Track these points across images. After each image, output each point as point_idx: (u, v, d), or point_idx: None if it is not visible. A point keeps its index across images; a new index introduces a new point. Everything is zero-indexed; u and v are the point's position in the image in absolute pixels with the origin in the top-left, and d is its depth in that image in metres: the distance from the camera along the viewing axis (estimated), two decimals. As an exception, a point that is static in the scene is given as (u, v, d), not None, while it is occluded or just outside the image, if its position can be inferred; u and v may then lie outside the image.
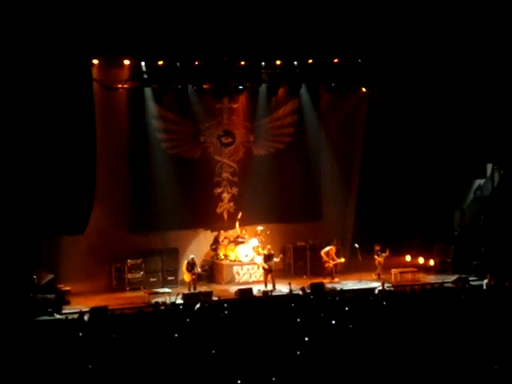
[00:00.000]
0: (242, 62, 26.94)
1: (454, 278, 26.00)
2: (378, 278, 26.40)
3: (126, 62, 26.13)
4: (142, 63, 26.11)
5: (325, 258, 27.12)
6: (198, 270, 26.51)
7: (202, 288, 25.88)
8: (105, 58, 25.77)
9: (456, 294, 21.12)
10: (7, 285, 23.00)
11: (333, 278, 26.77)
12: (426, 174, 28.84)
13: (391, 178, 28.79)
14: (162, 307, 21.56)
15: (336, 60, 27.67)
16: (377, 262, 27.19)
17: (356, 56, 27.67)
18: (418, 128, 28.41)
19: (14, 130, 23.54)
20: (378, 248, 27.19)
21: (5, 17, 22.92)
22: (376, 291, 22.98)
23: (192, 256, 26.75)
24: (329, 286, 25.57)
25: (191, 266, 26.17)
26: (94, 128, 25.29)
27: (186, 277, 26.20)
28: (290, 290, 23.42)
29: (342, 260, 27.48)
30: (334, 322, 17.29)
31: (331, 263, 27.06)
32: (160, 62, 25.94)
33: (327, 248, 27.30)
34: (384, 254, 27.04)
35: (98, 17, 24.02)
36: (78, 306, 23.58)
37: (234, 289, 25.72)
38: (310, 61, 27.41)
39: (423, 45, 26.96)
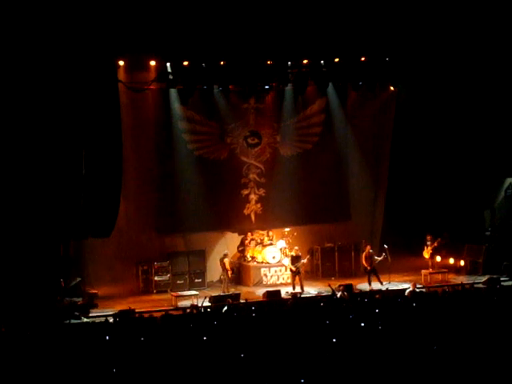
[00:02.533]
0: (269, 62, 26.73)
1: (485, 278, 25.69)
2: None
3: (152, 63, 26.07)
4: (168, 64, 26.04)
5: (365, 263, 26.53)
6: (228, 268, 26.33)
7: (230, 290, 25.74)
8: (130, 60, 25.75)
9: (487, 295, 20.82)
10: (35, 288, 22.97)
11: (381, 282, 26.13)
12: (455, 174, 28.53)
13: (420, 178, 28.54)
14: (195, 310, 21.44)
15: (363, 58, 27.43)
16: (426, 253, 27.01)
17: (383, 54, 27.42)
18: (447, 126, 28.14)
19: (41, 132, 23.52)
20: (428, 238, 27.00)
21: (32, 18, 22.85)
22: (406, 292, 22.65)
23: (224, 252, 26.73)
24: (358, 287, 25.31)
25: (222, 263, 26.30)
26: (120, 130, 25.23)
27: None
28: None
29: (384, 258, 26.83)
30: (363, 324, 17.07)
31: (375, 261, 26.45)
32: (185, 63, 25.82)
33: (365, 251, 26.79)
34: (432, 245, 26.86)
35: (123, 18, 23.95)
36: (105, 309, 23.58)
37: (261, 291, 25.50)
38: (337, 60, 27.17)
39: (451, 42, 26.66)
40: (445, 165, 28.56)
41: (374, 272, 26.00)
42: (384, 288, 24.69)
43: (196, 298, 24.31)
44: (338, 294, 22.60)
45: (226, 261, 26.45)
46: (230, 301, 22.90)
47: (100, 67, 24.26)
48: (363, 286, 25.77)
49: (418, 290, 23.26)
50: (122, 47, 24.58)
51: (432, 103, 27.93)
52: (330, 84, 28.14)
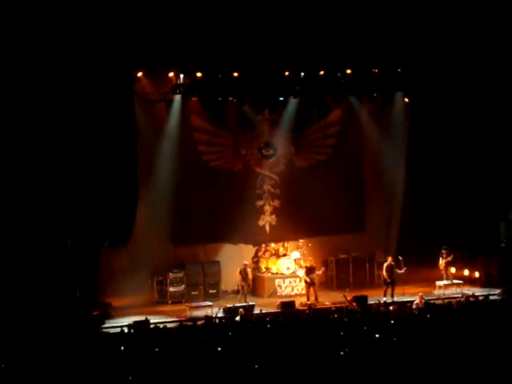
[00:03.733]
0: (287, 73, 26.76)
1: (499, 289, 25.57)
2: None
3: (167, 74, 26.14)
4: (182, 75, 26.09)
5: (385, 274, 26.35)
6: (250, 278, 26.40)
7: (247, 300, 25.78)
8: (146, 71, 25.80)
9: (502, 306, 20.76)
10: (50, 299, 23.06)
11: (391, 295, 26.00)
12: (470, 185, 28.48)
13: (435, 189, 28.47)
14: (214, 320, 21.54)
15: (376, 70, 27.44)
16: (441, 265, 27.01)
17: (395, 65, 27.43)
18: (461, 138, 28.12)
19: (58, 143, 23.67)
20: (444, 251, 26.98)
21: (52, 28, 23.02)
22: (413, 306, 22.50)
23: (245, 262, 26.76)
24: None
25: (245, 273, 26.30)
26: (135, 141, 25.38)
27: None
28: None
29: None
30: (377, 335, 17.08)
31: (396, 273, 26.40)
32: (199, 74, 25.87)
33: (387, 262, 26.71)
34: (448, 258, 26.86)
35: (140, 30, 24.07)
36: (120, 320, 23.62)
37: (276, 302, 25.49)
38: (349, 71, 27.17)
39: (464, 52, 26.67)
40: (459, 176, 28.52)
41: (392, 284, 25.96)
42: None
43: (210, 309, 24.36)
44: (351, 306, 22.66)
45: (249, 271, 26.52)
46: (243, 311, 22.95)
47: (117, 79, 24.39)
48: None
49: (424, 303, 23.08)
50: (139, 59, 24.69)
51: (446, 114, 27.90)
52: (345, 95, 28.12)
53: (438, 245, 27.44)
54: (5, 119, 23.11)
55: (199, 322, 21.08)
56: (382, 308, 21.86)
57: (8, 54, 22.85)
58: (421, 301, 22.88)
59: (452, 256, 26.95)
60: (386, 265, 26.40)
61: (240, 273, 26.44)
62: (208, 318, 21.79)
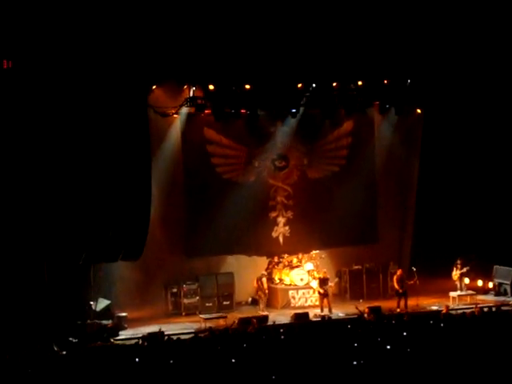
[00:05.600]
0: (299, 85, 26.83)
1: (512, 301, 25.62)
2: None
3: (180, 87, 26.26)
4: (194, 88, 26.17)
5: (396, 285, 26.35)
6: (266, 287, 26.57)
7: (257, 312, 25.85)
8: (160, 85, 25.92)
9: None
10: (63, 311, 23.16)
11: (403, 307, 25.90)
12: (483, 195, 28.43)
13: (448, 200, 28.44)
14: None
15: (386, 81, 27.49)
16: (455, 275, 27.03)
17: (405, 77, 27.46)
18: (475, 148, 28.10)
19: (71, 155, 23.77)
20: (459, 262, 26.98)
21: (69, 40, 23.19)
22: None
23: (262, 272, 26.97)
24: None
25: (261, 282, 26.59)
26: (149, 154, 25.46)
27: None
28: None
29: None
30: (389, 346, 17.08)
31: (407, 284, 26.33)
32: (211, 87, 25.95)
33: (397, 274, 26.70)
34: (463, 270, 26.90)
35: (153, 44, 24.20)
36: (134, 332, 23.69)
37: (289, 313, 25.52)
38: (361, 83, 27.23)
39: (474, 62, 26.68)
40: (473, 187, 28.48)
41: (404, 295, 25.93)
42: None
43: (224, 321, 24.43)
44: (365, 316, 22.67)
45: (264, 280, 26.65)
46: (255, 321, 22.99)
47: (132, 93, 24.51)
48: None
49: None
50: (153, 72, 24.80)
51: (460, 124, 27.88)
52: (358, 107, 28.13)
53: (452, 255, 27.40)
54: (19, 134, 23.23)
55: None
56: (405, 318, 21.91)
57: (23, 67, 22.99)
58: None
59: (467, 267, 26.92)
60: (395, 277, 26.41)
61: (257, 282, 26.56)
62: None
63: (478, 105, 27.55)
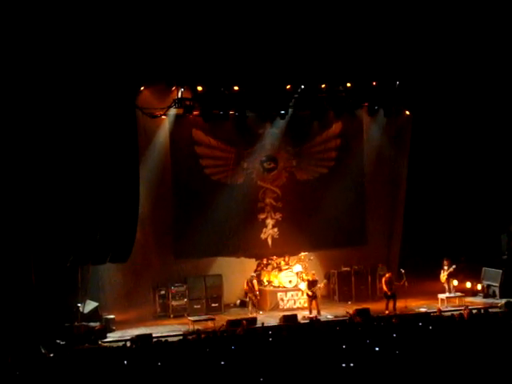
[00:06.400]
0: (288, 86, 26.80)
1: (502, 302, 25.57)
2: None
3: (168, 89, 26.21)
4: (183, 90, 26.12)
5: (385, 287, 26.23)
6: (256, 289, 26.66)
7: (245, 314, 25.81)
8: (148, 86, 25.86)
9: (505, 319, 20.72)
10: (50, 313, 23.07)
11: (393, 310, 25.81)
12: (472, 198, 28.47)
13: (437, 202, 28.47)
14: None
15: (374, 83, 27.49)
16: (443, 277, 27.04)
17: (394, 78, 27.47)
18: (463, 150, 28.14)
19: (58, 157, 23.68)
20: (446, 263, 26.99)
21: (57, 39, 23.09)
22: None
23: (252, 274, 27.01)
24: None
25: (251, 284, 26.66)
26: (137, 156, 25.39)
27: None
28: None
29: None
30: (377, 348, 17.06)
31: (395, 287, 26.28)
32: (200, 88, 25.90)
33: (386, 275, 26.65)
34: (449, 269, 26.88)
35: (141, 45, 24.13)
36: (122, 334, 23.61)
37: (278, 315, 25.48)
38: (349, 84, 27.23)
39: (463, 64, 26.71)
40: (462, 189, 28.52)
41: (393, 298, 25.91)
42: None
43: (213, 323, 24.38)
44: (353, 319, 22.70)
45: (255, 282, 26.71)
46: (245, 322, 22.98)
47: (120, 94, 24.44)
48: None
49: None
50: (141, 74, 24.73)
51: (448, 126, 27.92)
52: (346, 109, 28.11)
53: (441, 257, 27.41)
54: (6, 135, 23.12)
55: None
56: (393, 320, 21.88)
57: (13, 65, 22.88)
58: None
59: (453, 267, 26.94)
60: (384, 279, 26.39)
61: (247, 284, 26.54)
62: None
63: (467, 106, 27.58)
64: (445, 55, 26.55)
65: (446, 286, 27.14)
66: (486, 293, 27.62)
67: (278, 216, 28.64)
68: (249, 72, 25.77)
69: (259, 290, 27.12)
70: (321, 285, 26.67)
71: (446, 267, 27.10)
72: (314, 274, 26.88)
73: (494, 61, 26.77)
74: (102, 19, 23.50)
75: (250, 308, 26.48)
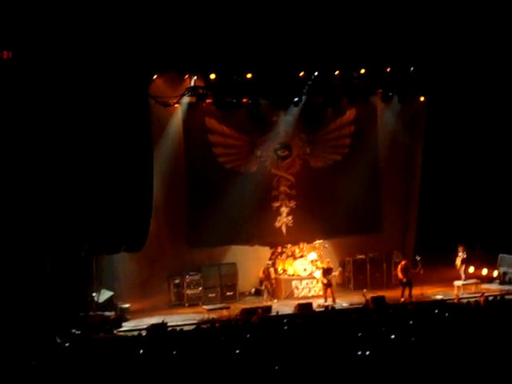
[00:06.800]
0: (301, 73, 26.68)
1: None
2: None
3: (181, 77, 26.12)
4: (196, 78, 26.04)
5: (401, 275, 26.11)
6: (273, 277, 26.64)
7: (260, 302, 25.79)
8: (160, 74, 25.78)
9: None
10: (65, 303, 23.11)
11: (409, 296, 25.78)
12: (487, 184, 28.31)
13: (452, 188, 28.33)
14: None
15: (388, 69, 27.33)
16: (457, 264, 26.98)
17: (408, 64, 27.30)
18: (478, 136, 27.95)
19: (73, 146, 23.67)
20: (460, 249, 26.92)
21: (68, 30, 23.05)
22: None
23: (268, 262, 27.01)
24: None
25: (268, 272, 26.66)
26: (150, 145, 25.33)
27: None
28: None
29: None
30: (393, 336, 16.99)
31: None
32: (212, 76, 25.80)
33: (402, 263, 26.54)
34: (463, 256, 26.81)
35: (154, 34, 24.05)
36: (137, 323, 23.63)
37: (293, 303, 25.43)
38: (363, 71, 27.09)
39: (477, 49, 26.51)
40: (477, 175, 28.36)
41: (409, 285, 25.79)
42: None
43: (228, 312, 24.36)
44: (368, 306, 22.65)
45: (272, 270, 26.72)
46: (260, 311, 22.96)
47: (133, 83, 24.37)
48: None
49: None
50: (154, 62, 24.66)
51: (464, 111, 27.74)
52: (360, 95, 27.96)
53: (456, 244, 27.28)
54: (20, 125, 23.11)
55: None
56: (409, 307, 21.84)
57: (23, 58, 22.85)
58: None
59: (465, 253, 26.78)
60: (399, 266, 26.28)
61: (263, 272, 26.52)
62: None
63: (482, 92, 27.39)
64: (459, 39, 26.34)
65: (462, 272, 27.01)
66: (503, 279, 27.49)
67: (293, 204, 28.56)
68: (262, 59, 25.64)
69: (274, 279, 27.12)
70: (336, 273, 26.63)
71: (460, 253, 26.97)
72: (328, 262, 26.83)
73: (510, 44, 26.54)
74: (115, 8, 23.43)
75: (265, 296, 26.47)
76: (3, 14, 22.49)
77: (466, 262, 27.06)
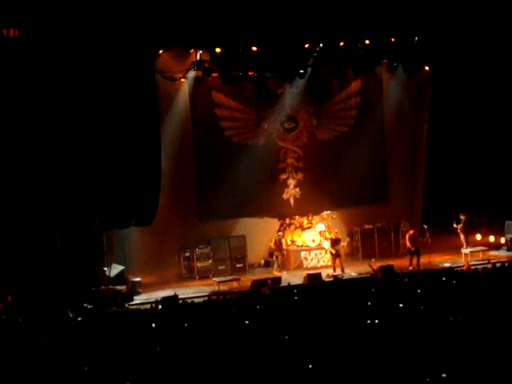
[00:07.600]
0: (306, 45, 26.67)
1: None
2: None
3: (187, 51, 26.14)
4: (201, 52, 26.06)
5: (409, 244, 26.22)
6: (284, 248, 27.03)
7: (270, 274, 25.97)
8: (166, 49, 25.82)
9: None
10: (77, 278, 23.31)
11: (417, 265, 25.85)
12: (493, 151, 28.36)
13: (459, 156, 28.37)
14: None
15: (393, 39, 27.30)
16: (458, 230, 26.99)
17: (412, 34, 27.25)
18: (484, 104, 27.95)
19: (81, 124, 23.77)
20: (462, 217, 26.91)
21: (73, 7, 23.09)
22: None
23: (279, 233, 27.25)
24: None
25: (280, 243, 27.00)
26: (158, 119, 25.43)
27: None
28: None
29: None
30: (401, 305, 17.15)
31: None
32: (218, 50, 25.81)
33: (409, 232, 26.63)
34: (460, 225, 26.83)
35: (158, 8, 24.06)
36: (148, 297, 23.84)
37: (302, 274, 25.62)
38: (367, 41, 27.06)
39: (483, 19, 26.44)
40: (483, 143, 28.39)
41: (417, 254, 25.94)
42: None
43: (238, 284, 24.59)
44: (377, 275, 22.80)
45: (283, 241, 27.04)
46: (270, 282, 23.16)
47: (139, 58, 24.41)
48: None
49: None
50: (159, 37, 24.68)
51: (468, 81, 27.71)
52: (366, 66, 27.93)
53: (463, 212, 27.35)
54: (29, 103, 23.21)
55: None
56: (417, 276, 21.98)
57: (29, 35, 22.92)
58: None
59: (461, 224, 26.77)
60: (407, 235, 26.41)
61: (275, 243, 26.70)
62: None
63: (488, 61, 27.34)
64: (464, 8, 26.27)
65: (464, 239, 26.99)
66: (510, 246, 27.56)
67: (300, 176, 28.65)
68: (267, 32, 25.62)
69: (285, 250, 27.31)
70: (344, 243, 26.80)
71: (462, 221, 26.93)
72: (336, 233, 26.97)
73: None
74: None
75: (275, 267, 26.68)
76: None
77: (468, 229, 27.08)
